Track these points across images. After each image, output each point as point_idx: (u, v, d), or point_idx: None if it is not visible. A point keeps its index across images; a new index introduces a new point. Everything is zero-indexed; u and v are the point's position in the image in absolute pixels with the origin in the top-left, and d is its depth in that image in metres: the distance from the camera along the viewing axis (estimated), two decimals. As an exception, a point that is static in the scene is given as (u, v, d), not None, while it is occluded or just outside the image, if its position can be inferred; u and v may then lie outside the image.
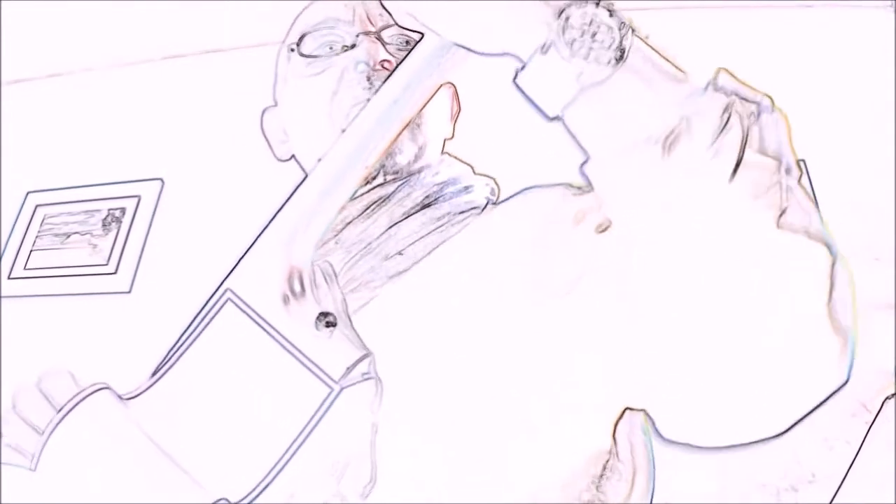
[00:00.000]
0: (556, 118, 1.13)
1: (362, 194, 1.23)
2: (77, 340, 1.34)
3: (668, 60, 1.13)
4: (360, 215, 1.22)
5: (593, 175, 1.14)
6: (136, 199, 1.44)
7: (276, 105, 1.37)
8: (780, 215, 1.07)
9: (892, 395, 1.21)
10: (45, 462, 1.12)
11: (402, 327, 1.16)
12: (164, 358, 1.14)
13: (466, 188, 1.26)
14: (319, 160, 1.17)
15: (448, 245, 1.20)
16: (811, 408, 1.08)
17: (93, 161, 1.48)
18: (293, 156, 1.33)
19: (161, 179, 1.45)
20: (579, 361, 1.13)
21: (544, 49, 1.11)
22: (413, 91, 1.17)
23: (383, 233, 1.21)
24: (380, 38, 1.30)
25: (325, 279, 1.15)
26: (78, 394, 1.14)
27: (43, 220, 1.46)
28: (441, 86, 1.19)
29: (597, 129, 1.12)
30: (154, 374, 1.14)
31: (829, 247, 1.08)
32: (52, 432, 1.12)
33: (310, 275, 1.15)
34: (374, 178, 1.25)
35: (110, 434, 1.12)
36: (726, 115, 1.09)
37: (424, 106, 1.19)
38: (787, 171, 1.10)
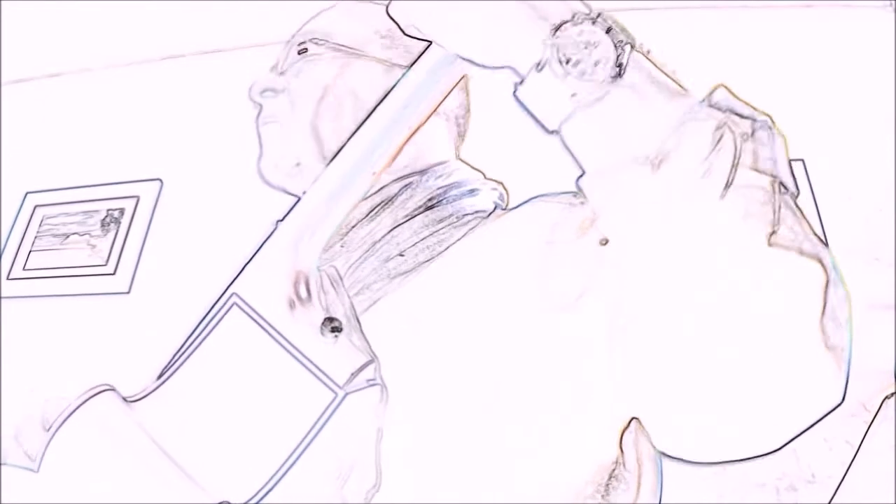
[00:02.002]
0: (554, 132, 1.12)
1: (367, 197, 1.23)
2: (76, 341, 1.34)
3: (668, 76, 1.12)
4: (364, 217, 1.22)
5: (588, 189, 1.14)
6: (134, 200, 1.44)
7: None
8: (772, 233, 1.06)
9: (892, 394, 1.21)
10: (48, 462, 1.12)
11: (406, 332, 1.16)
12: (170, 361, 1.14)
13: (472, 191, 1.25)
14: (327, 166, 1.17)
15: (454, 250, 1.20)
16: (807, 425, 1.07)
17: (91, 161, 1.47)
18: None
19: (160, 180, 1.44)
20: (586, 368, 1.13)
21: (539, 67, 1.10)
22: (421, 97, 1.16)
23: (386, 234, 1.21)
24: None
25: (333, 285, 1.15)
26: (82, 395, 1.14)
27: (42, 221, 1.45)
28: (451, 89, 1.19)
29: (591, 145, 1.11)
30: (159, 376, 1.14)
31: (822, 263, 1.06)
32: (55, 433, 1.12)
33: (316, 280, 1.15)
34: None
35: (114, 435, 1.12)
36: (719, 133, 1.07)
37: (432, 112, 1.19)
38: (781, 189, 1.08)
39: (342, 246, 1.20)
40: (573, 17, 1.11)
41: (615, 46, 1.10)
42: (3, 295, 1.39)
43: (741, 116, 1.11)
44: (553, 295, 1.14)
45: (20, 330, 1.36)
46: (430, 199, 1.24)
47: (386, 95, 1.18)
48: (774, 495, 1.18)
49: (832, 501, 1.19)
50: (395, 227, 1.22)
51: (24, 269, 1.43)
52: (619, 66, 1.09)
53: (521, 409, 1.12)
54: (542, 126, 1.13)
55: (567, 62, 1.09)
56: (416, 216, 1.22)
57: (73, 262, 1.42)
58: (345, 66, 1.30)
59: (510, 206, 1.26)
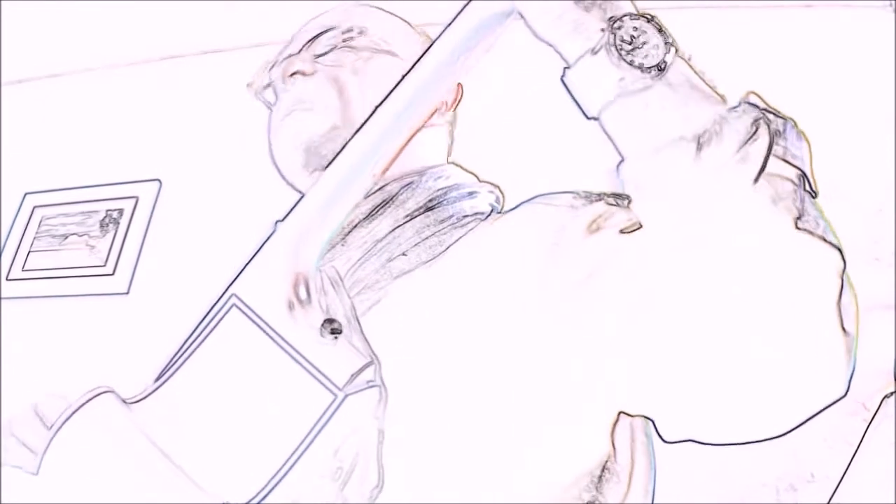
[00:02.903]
0: (595, 118, 1.16)
1: (368, 196, 1.23)
2: (75, 342, 1.34)
3: (706, 83, 1.17)
4: (365, 218, 1.22)
5: (627, 175, 1.17)
6: (133, 201, 1.44)
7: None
8: (797, 219, 1.10)
9: (891, 393, 1.21)
10: (47, 464, 1.12)
11: (406, 334, 1.16)
12: (169, 362, 1.14)
13: (471, 193, 1.26)
14: (326, 168, 1.17)
15: (453, 252, 1.20)
16: (810, 414, 1.09)
17: (90, 162, 1.47)
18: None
19: (159, 180, 1.44)
20: (582, 367, 1.13)
21: (595, 50, 1.14)
22: (421, 99, 1.17)
23: (387, 234, 1.21)
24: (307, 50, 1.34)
25: (333, 285, 1.15)
26: (81, 396, 1.14)
27: (41, 222, 1.45)
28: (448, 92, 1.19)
29: (632, 131, 1.15)
30: (158, 378, 1.14)
31: (841, 252, 1.11)
32: (55, 435, 1.12)
33: (316, 282, 1.15)
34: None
35: (114, 437, 1.12)
36: (755, 126, 1.13)
37: (432, 115, 1.19)
38: (805, 183, 1.15)
39: (343, 245, 1.20)
40: (629, 14, 1.16)
41: (665, 44, 1.14)
42: (2, 296, 1.39)
43: (774, 114, 1.18)
44: (552, 296, 1.14)
45: (19, 330, 1.36)
46: (430, 200, 1.24)
47: (386, 97, 1.18)
48: (774, 495, 1.19)
49: (832, 501, 1.19)
50: (396, 227, 1.22)
51: (23, 269, 1.43)
52: (665, 62, 1.14)
53: (519, 408, 1.12)
54: (583, 111, 1.17)
55: (620, 49, 1.14)
56: (416, 216, 1.23)
57: (72, 263, 1.42)
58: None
59: (506, 209, 1.26)
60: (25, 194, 1.47)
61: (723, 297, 1.09)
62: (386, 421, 1.12)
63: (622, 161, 1.16)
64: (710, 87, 1.17)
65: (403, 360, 1.14)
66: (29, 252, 1.44)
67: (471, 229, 1.22)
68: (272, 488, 1.08)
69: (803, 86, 1.40)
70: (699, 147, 1.12)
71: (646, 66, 1.14)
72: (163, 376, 1.13)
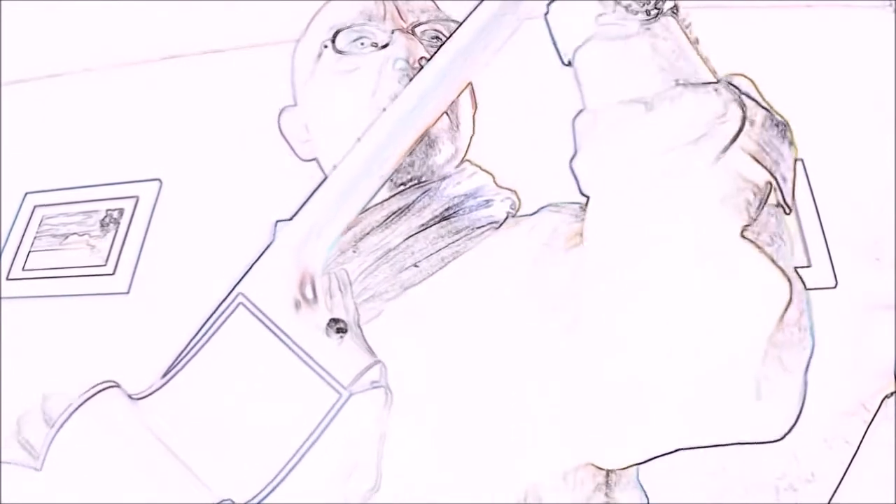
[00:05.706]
0: (569, 64, 1.12)
1: (383, 201, 1.22)
2: (75, 341, 1.34)
3: (698, 53, 1.11)
4: (380, 224, 1.21)
5: (579, 126, 1.12)
6: (134, 200, 1.44)
7: (295, 104, 1.35)
8: (747, 226, 1.01)
9: (891, 394, 1.22)
10: (51, 458, 1.12)
11: (413, 339, 1.16)
12: (176, 359, 1.14)
13: (487, 202, 1.25)
14: (335, 167, 1.17)
15: (462, 259, 1.20)
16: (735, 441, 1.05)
17: (91, 161, 1.47)
18: (315, 158, 1.32)
19: (159, 180, 1.44)
20: (585, 374, 1.13)
21: None
22: (429, 100, 1.16)
23: (401, 243, 1.21)
24: (414, 34, 1.29)
25: (340, 287, 1.15)
26: (87, 391, 1.13)
27: (41, 221, 1.45)
28: (459, 93, 1.19)
29: (601, 80, 1.10)
30: (165, 374, 1.14)
31: (792, 285, 1.00)
32: (59, 430, 1.12)
33: (323, 282, 1.14)
34: (403, 182, 1.24)
35: (118, 433, 1.11)
36: (725, 108, 1.04)
37: (441, 116, 1.19)
38: (776, 194, 1.04)
39: (355, 251, 1.20)
40: None
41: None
42: (2, 295, 1.39)
43: (758, 104, 1.08)
44: (554, 303, 1.14)
45: (20, 330, 1.36)
46: (446, 210, 1.23)
47: (395, 98, 1.18)
48: (774, 495, 1.19)
49: (832, 501, 1.19)
50: (410, 237, 1.21)
51: (23, 269, 1.43)
52: (657, 9, 1.09)
53: (524, 414, 1.12)
54: (560, 55, 1.13)
55: None
56: (431, 226, 1.22)
57: (73, 263, 1.42)
58: None
59: (521, 213, 1.26)
60: (26, 194, 1.47)
61: (661, 297, 1.03)
62: (388, 427, 1.12)
63: (580, 112, 1.12)
64: (703, 58, 1.10)
65: (408, 368, 1.14)
66: (29, 252, 1.44)
67: (484, 240, 1.21)
68: (276, 486, 1.09)
69: (803, 86, 1.40)
70: (648, 107, 1.05)
71: (633, 6, 1.07)
72: (169, 373, 1.13)
